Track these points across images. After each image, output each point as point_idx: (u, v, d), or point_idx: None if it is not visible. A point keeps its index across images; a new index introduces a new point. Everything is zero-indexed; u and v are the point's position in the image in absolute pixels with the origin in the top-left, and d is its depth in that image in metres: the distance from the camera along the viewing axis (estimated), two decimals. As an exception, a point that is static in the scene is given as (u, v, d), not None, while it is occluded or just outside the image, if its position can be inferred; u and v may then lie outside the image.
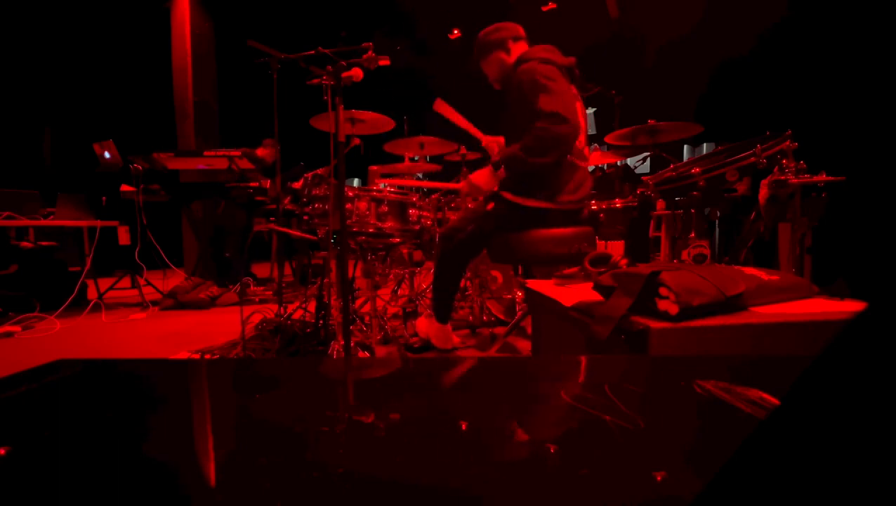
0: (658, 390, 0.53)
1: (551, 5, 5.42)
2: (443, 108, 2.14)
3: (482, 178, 1.88)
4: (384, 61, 1.66)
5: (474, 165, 3.28)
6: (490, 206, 1.93)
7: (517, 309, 2.50)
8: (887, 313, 0.18)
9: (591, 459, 0.34)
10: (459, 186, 2.02)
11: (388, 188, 2.17)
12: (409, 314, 2.61)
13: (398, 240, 2.16)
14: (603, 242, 2.71)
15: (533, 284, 1.38)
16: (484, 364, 0.73)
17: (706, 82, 4.43)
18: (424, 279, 2.84)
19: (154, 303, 3.39)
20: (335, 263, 1.92)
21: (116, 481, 0.32)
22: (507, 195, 1.88)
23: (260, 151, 4.37)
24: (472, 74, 2.15)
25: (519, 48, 2.00)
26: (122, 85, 6.40)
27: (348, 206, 1.94)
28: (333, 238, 1.87)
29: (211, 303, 3.47)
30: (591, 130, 6.18)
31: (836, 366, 0.19)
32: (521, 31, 2.03)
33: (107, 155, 3.59)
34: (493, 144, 2.21)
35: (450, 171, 3.59)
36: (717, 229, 2.16)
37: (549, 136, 1.71)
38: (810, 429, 0.18)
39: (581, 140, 1.93)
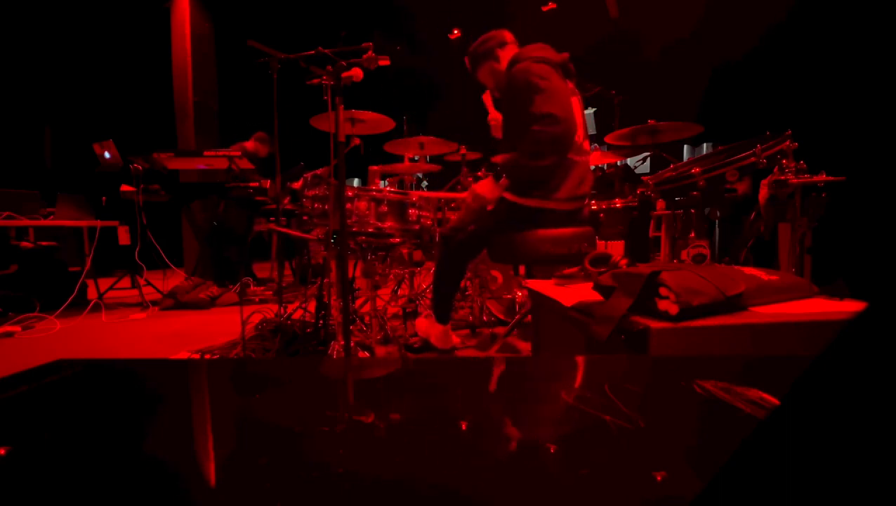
0: (658, 390, 0.53)
1: (551, 5, 5.42)
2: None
3: (485, 187, 1.89)
4: (384, 61, 1.66)
5: (474, 165, 3.28)
6: (490, 206, 1.93)
7: (517, 309, 2.50)
8: (887, 313, 0.18)
9: (591, 459, 0.34)
10: (464, 195, 2.03)
11: (389, 188, 2.17)
12: (409, 314, 2.61)
13: (398, 240, 2.16)
14: (603, 242, 2.72)
15: (533, 284, 1.38)
16: (484, 364, 0.73)
17: (706, 82, 4.42)
18: (424, 279, 2.84)
19: (154, 303, 3.38)
20: (335, 263, 1.92)
21: (117, 481, 0.32)
22: (507, 195, 1.88)
23: (249, 145, 4.38)
24: (478, 85, 2.17)
25: (507, 53, 1.99)
26: (122, 85, 6.39)
27: (348, 206, 1.94)
28: (333, 238, 1.87)
29: (211, 303, 3.47)
30: (591, 130, 6.17)
31: (836, 366, 0.19)
32: (507, 36, 2.03)
33: (107, 155, 3.59)
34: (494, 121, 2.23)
35: (450, 171, 3.58)
36: (717, 229, 2.17)
37: (546, 138, 1.71)
38: (810, 429, 0.18)
39: (580, 134, 1.93)
